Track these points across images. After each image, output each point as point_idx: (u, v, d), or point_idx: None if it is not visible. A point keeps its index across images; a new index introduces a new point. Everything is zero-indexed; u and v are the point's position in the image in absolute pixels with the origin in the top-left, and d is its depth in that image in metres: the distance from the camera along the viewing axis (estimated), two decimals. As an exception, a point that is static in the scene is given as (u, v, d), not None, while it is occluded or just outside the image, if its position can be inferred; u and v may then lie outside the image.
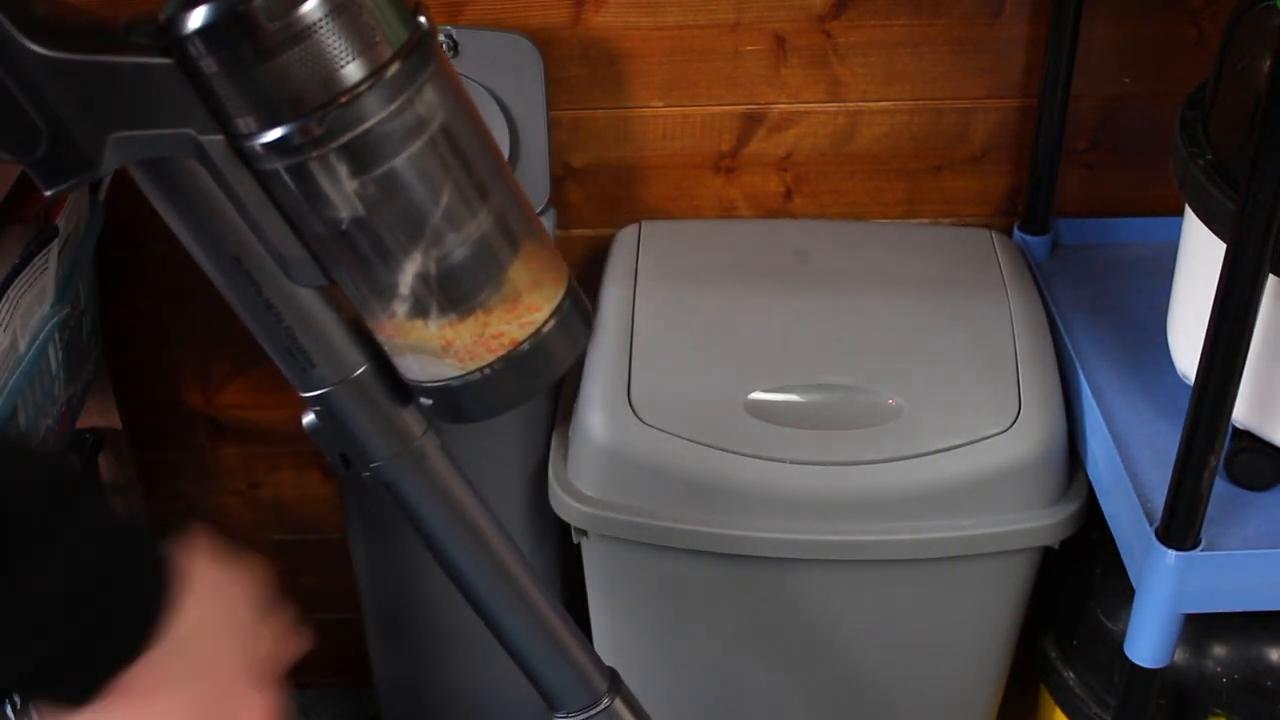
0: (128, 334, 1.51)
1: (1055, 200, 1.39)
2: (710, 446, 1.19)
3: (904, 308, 1.30)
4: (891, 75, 1.36)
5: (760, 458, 1.19)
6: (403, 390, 0.72)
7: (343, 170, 0.60)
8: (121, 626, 0.60)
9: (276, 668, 0.69)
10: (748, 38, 1.34)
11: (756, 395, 1.22)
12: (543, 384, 0.68)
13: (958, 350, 1.25)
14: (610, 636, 1.34)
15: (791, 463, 1.18)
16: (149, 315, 1.51)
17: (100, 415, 1.48)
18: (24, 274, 1.08)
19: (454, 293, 0.64)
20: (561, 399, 1.32)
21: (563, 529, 1.27)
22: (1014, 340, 1.26)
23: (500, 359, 0.66)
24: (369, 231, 0.62)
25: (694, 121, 1.39)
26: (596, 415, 1.22)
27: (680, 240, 1.39)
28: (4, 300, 1.04)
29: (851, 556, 1.21)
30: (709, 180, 1.42)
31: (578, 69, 1.35)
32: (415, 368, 0.68)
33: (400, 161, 0.61)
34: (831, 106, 1.38)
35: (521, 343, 0.66)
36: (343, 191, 0.61)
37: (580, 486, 1.24)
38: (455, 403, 0.69)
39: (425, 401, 0.70)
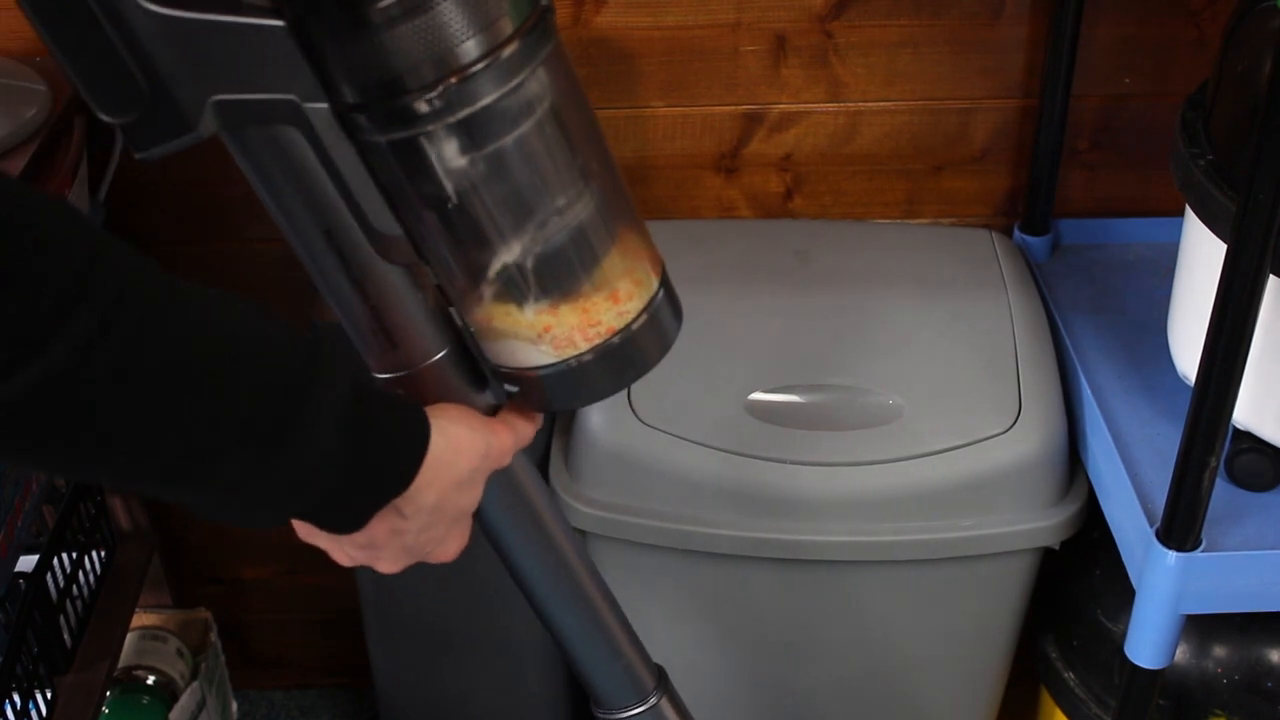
0: (127, 334, 1.51)
1: (1055, 200, 1.39)
2: (711, 447, 1.19)
3: (904, 308, 1.30)
4: (892, 75, 1.36)
5: (761, 458, 1.19)
6: (480, 377, 0.70)
7: (451, 148, 0.58)
8: (391, 467, 0.63)
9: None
10: (748, 38, 1.34)
11: (757, 395, 1.22)
12: (633, 376, 0.67)
13: (958, 351, 1.25)
14: (610, 637, 1.34)
15: (791, 463, 1.18)
16: (149, 315, 1.51)
17: (100, 415, 1.47)
18: (24, 274, 1.08)
19: (552, 278, 0.63)
20: (561, 399, 1.32)
21: (563, 529, 1.27)
22: (1014, 341, 1.26)
23: (594, 348, 0.65)
24: (471, 212, 0.60)
25: (694, 121, 1.39)
26: (597, 416, 1.22)
27: (680, 240, 1.39)
28: (4, 301, 1.04)
29: (852, 556, 1.21)
30: (709, 180, 1.42)
31: (578, 69, 1.34)
32: (505, 353, 0.66)
33: (509, 141, 0.59)
34: (832, 107, 1.38)
35: (617, 332, 0.65)
36: (448, 170, 0.59)
37: (581, 487, 1.23)
38: (542, 391, 0.67)
39: (510, 389, 0.68)
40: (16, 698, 1.22)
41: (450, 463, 0.66)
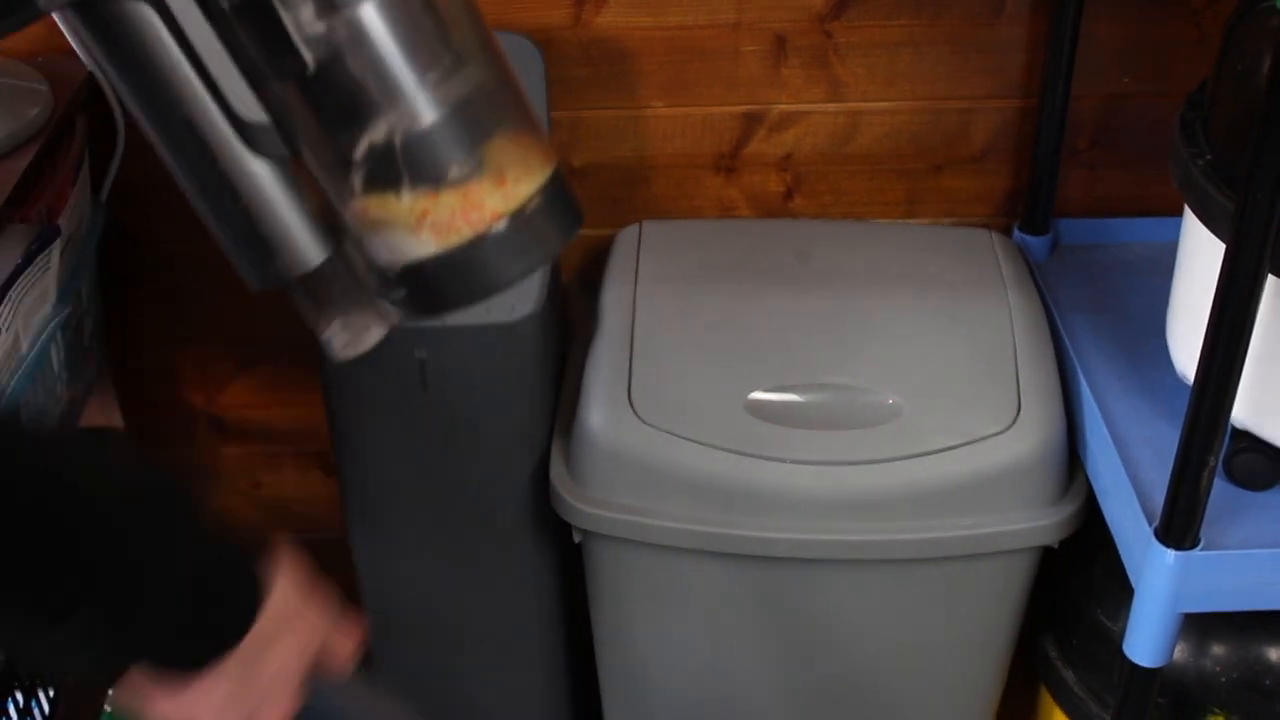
0: (130, 334, 1.51)
1: (1055, 200, 1.40)
2: (711, 446, 1.19)
3: (904, 308, 1.30)
4: (892, 75, 1.36)
5: (760, 457, 1.19)
6: (363, 291, 0.66)
7: (307, 11, 0.56)
8: (234, 612, 0.64)
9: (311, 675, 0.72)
10: (748, 38, 1.34)
11: (757, 395, 1.22)
12: (524, 269, 0.63)
13: (957, 350, 1.26)
14: (610, 636, 1.35)
15: (791, 462, 1.19)
16: (151, 315, 1.51)
17: (102, 415, 1.48)
18: (26, 274, 1.08)
19: (426, 160, 0.59)
20: (562, 399, 1.32)
21: (563, 529, 1.27)
22: (1014, 340, 1.26)
23: (479, 234, 0.61)
24: (332, 84, 0.57)
25: (694, 121, 1.39)
26: (597, 415, 1.22)
27: (681, 240, 1.39)
28: (6, 301, 1.05)
29: (851, 556, 1.22)
30: (709, 180, 1.43)
31: (578, 69, 1.35)
32: (386, 249, 0.62)
33: (370, 5, 0.56)
34: (832, 107, 1.38)
35: (503, 216, 0.61)
36: (306, 36, 0.56)
37: (581, 487, 1.24)
38: (430, 288, 0.63)
39: (399, 293, 0.64)
40: (19, 696, 1.23)
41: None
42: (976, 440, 1.19)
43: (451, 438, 1.30)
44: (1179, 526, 1.04)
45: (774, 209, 1.45)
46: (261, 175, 0.61)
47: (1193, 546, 1.05)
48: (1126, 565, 1.12)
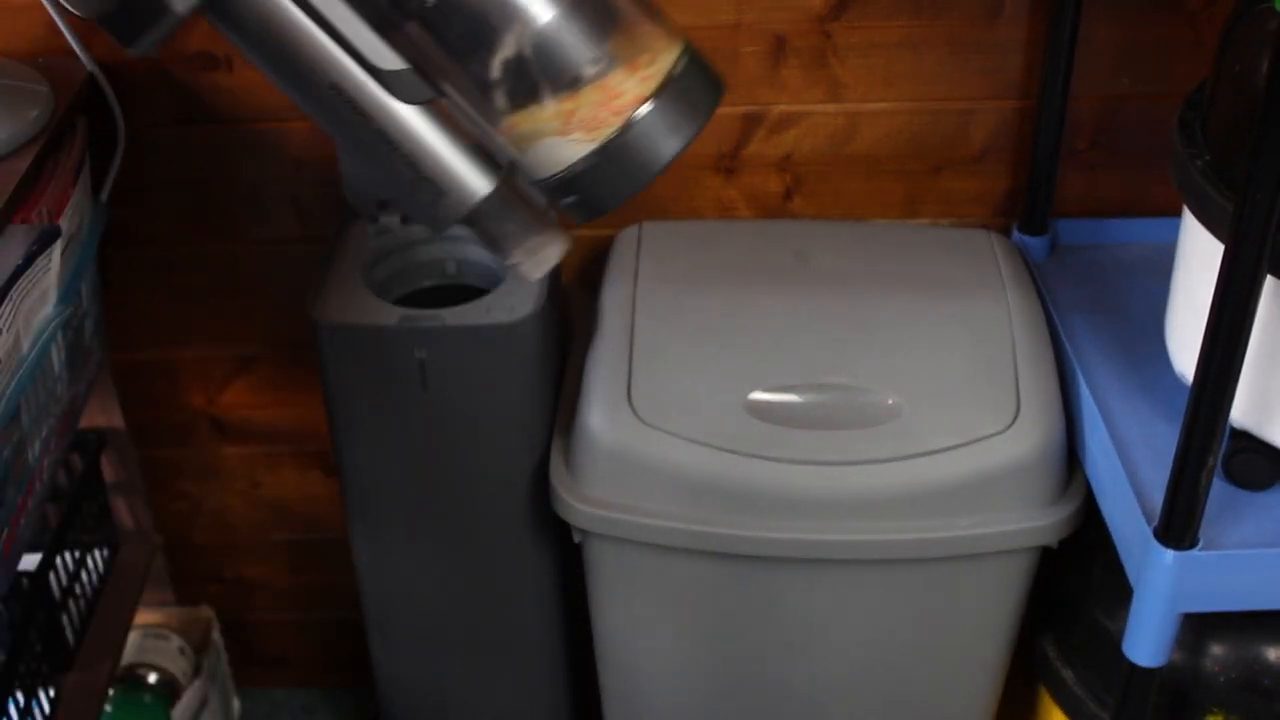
0: (130, 334, 1.51)
1: (1054, 201, 1.40)
2: (710, 446, 1.19)
3: (904, 308, 1.30)
4: (891, 76, 1.36)
5: (760, 458, 1.19)
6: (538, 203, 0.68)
7: None
8: None
9: None
10: (748, 38, 1.34)
11: (757, 395, 1.22)
12: (679, 144, 0.64)
13: (957, 350, 1.26)
14: (611, 636, 1.35)
15: (791, 463, 1.19)
16: (151, 315, 1.51)
17: (103, 415, 1.48)
18: (27, 275, 1.08)
19: (557, 63, 0.61)
20: (562, 399, 1.32)
21: (563, 529, 1.27)
22: (1013, 340, 1.26)
23: (627, 121, 0.63)
24: (453, 13, 0.59)
25: (694, 122, 1.39)
26: (597, 415, 1.22)
27: (680, 240, 1.39)
28: (7, 301, 1.05)
29: (851, 556, 1.22)
30: (709, 181, 1.43)
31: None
32: (545, 160, 0.65)
33: None
34: (831, 107, 1.38)
35: (645, 99, 0.63)
36: None
37: (581, 487, 1.24)
38: (596, 185, 0.65)
39: (569, 200, 0.66)
40: (20, 696, 1.23)
41: None
42: (976, 440, 1.19)
43: (451, 438, 1.30)
44: (1178, 526, 1.04)
45: (774, 209, 1.45)
46: (413, 120, 0.64)
47: (1192, 546, 1.05)
48: (1125, 565, 1.12)
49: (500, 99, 0.63)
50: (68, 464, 1.41)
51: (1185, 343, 1.16)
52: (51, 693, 1.30)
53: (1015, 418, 1.20)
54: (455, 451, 1.31)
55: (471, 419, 1.29)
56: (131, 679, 1.52)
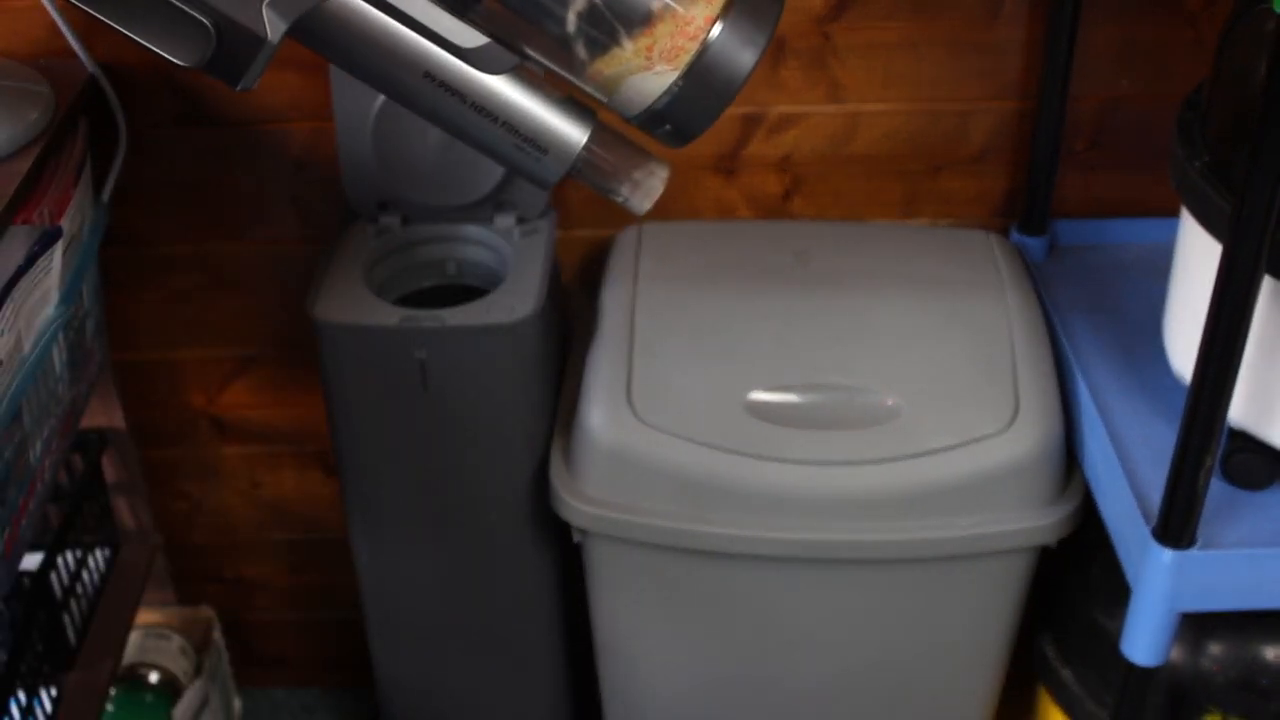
0: (131, 334, 1.51)
1: (1053, 201, 1.40)
2: (710, 446, 1.20)
3: (903, 308, 1.30)
4: (890, 77, 1.37)
5: (760, 458, 1.19)
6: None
7: None
8: None
9: None
10: (747, 40, 1.34)
11: (756, 395, 1.22)
12: (757, 52, 0.68)
13: (956, 351, 1.26)
14: (610, 636, 1.35)
15: (791, 463, 1.19)
16: (152, 315, 1.52)
17: (104, 415, 1.48)
18: (28, 275, 1.08)
19: (628, 5, 0.65)
20: (562, 399, 1.32)
21: (563, 529, 1.28)
22: (1012, 341, 1.26)
23: (704, 44, 0.66)
24: None
25: (694, 123, 1.39)
26: (596, 415, 1.22)
27: (680, 241, 1.40)
28: (8, 302, 1.05)
29: (850, 556, 1.22)
30: (709, 181, 1.43)
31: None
32: (634, 97, 0.68)
33: None
34: (830, 108, 1.39)
35: (715, 19, 0.66)
36: None
37: (580, 486, 1.24)
38: (687, 109, 0.69)
39: (664, 129, 0.71)
40: (21, 695, 1.23)
41: None
42: (975, 440, 1.19)
43: (451, 438, 1.30)
44: (1176, 526, 1.04)
45: (773, 210, 1.45)
46: (504, 89, 0.68)
47: (1190, 546, 1.05)
48: (1124, 565, 1.12)
49: (581, 50, 0.67)
50: (69, 464, 1.41)
51: (1183, 343, 1.16)
52: (53, 692, 1.31)
53: (1014, 418, 1.21)
54: (455, 451, 1.31)
55: (471, 419, 1.29)
56: (133, 679, 1.52)
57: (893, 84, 1.37)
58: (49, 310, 1.16)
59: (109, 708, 1.48)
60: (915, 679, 1.35)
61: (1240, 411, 1.08)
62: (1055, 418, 1.22)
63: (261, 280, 1.49)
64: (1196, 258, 1.10)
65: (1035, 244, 1.40)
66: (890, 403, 1.22)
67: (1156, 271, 1.26)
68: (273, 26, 0.63)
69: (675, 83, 0.68)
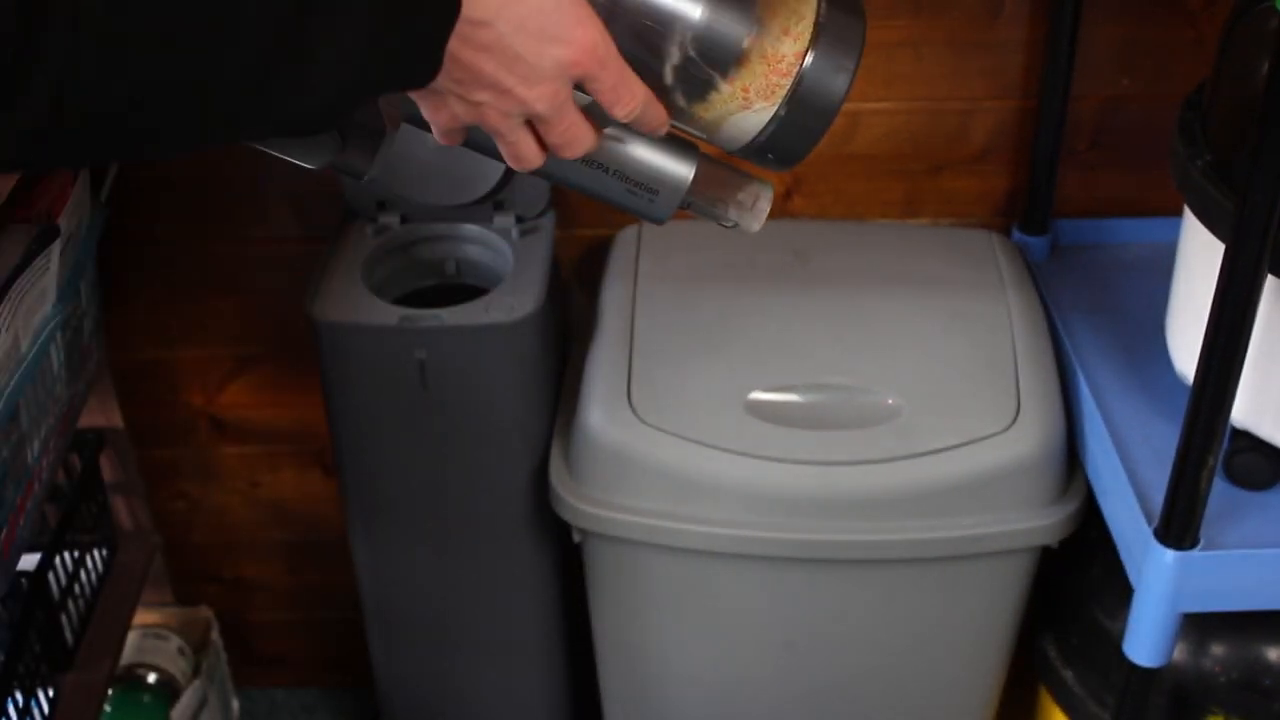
0: (129, 333, 1.51)
1: (1054, 201, 1.40)
2: (710, 446, 1.19)
3: (903, 308, 1.30)
4: (891, 76, 1.36)
5: (760, 458, 1.19)
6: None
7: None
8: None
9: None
10: (748, 38, 1.34)
11: (756, 395, 1.22)
12: (848, 75, 0.70)
13: (957, 350, 1.26)
14: (610, 636, 1.35)
15: (791, 463, 1.19)
16: (150, 315, 1.51)
17: (102, 414, 1.48)
18: (26, 274, 1.08)
19: (719, 51, 0.67)
20: (562, 399, 1.32)
21: (563, 529, 1.27)
22: (1013, 340, 1.26)
23: (798, 76, 0.69)
24: (622, 41, 0.65)
25: (694, 122, 1.39)
26: (596, 415, 1.22)
27: (680, 240, 1.39)
28: (5, 300, 1.05)
29: (851, 556, 1.22)
30: (709, 181, 1.43)
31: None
32: (736, 134, 0.71)
33: None
34: (831, 107, 1.38)
35: (804, 52, 0.68)
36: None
37: (581, 487, 1.24)
38: (789, 140, 0.72)
39: (767, 158, 0.73)
40: (19, 696, 1.23)
41: None
42: (976, 440, 1.19)
43: (451, 438, 1.30)
44: (1178, 526, 1.04)
45: (773, 209, 1.44)
46: (611, 141, 0.71)
47: (1192, 546, 1.05)
48: (1126, 565, 1.12)
49: (680, 99, 0.69)
50: (66, 464, 1.41)
51: (1186, 342, 1.16)
52: (50, 693, 1.30)
53: (1015, 418, 1.20)
54: (455, 451, 1.31)
55: (471, 419, 1.29)
56: (130, 679, 1.52)
57: (894, 83, 1.37)
58: (46, 309, 1.15)
59: (107, 708, 1.48)
60: (916, 679, 1.35)
61: (1243, 411, 1.08)
62: (1057, 417, 1.22)
63: (260, 280, 1.49)
64: (1198, 257, 1.10)
65: (1037, 243, 1.40)
66: (891, 403, 1.21)
67: (1158, 271, 1.26)
68: (390, 120, 0.66)
69: (774, 118, 0.70)
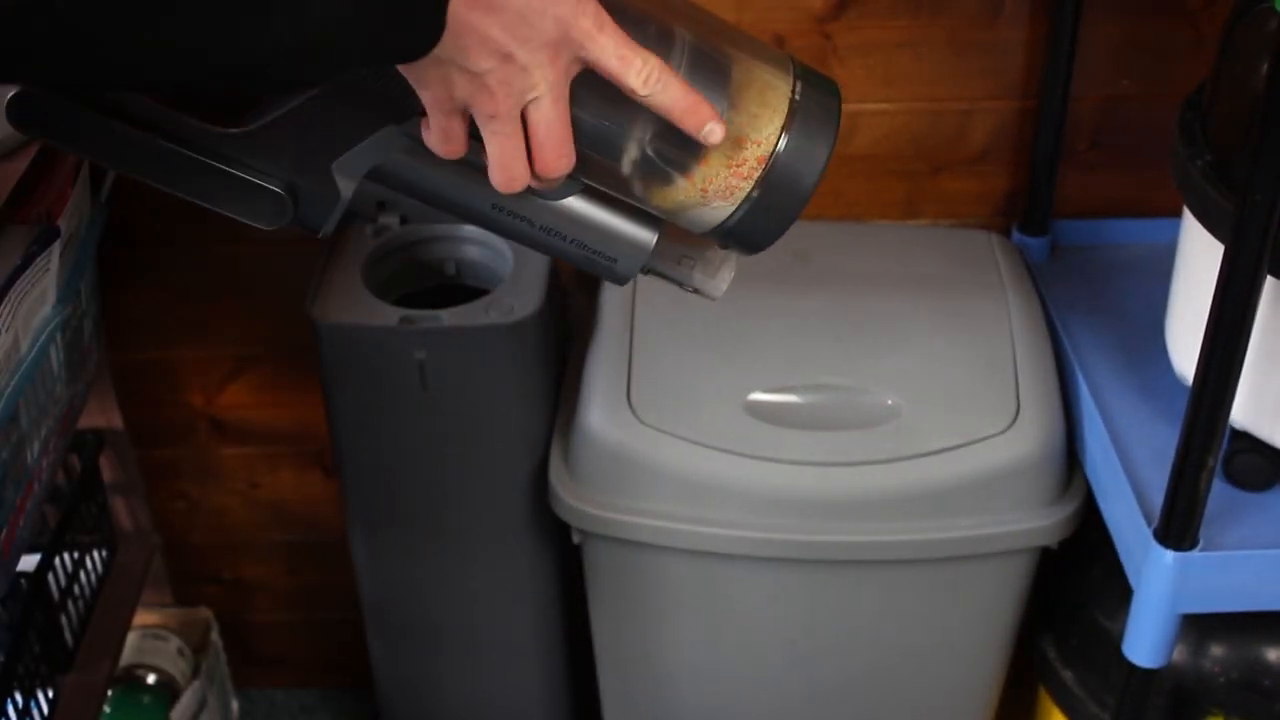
0: (129, 334, 1.51)
1: (1054, 201, 1.40)
2: (710, 446, 1.19)
3: (903, 308, 1.30)
4: (891, 76, 1.36)
5: (760, 458, 1.19)
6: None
7: None
8: None
9: None
10: (747, 39, 1.34)
11: (756, 395, 1.22)
12: (817, 170, 0.67)
13: (957, 351, 1.26)
14: (609, 636, 1.35)
15: (791, 463, 1.19)
16: (151, 315, 1.51)
17: (102, 415, 1.48)
18: (26, 275, 1.08)
19: (677, 150, 0.66)
20: (562, 399, 1.32)
21: (563, 529, 1.27)
22: (1013, 341, 1.26)
23: (760, 176, 0.66)
24: (580, 134, 0.64)
25: (694, 122, 1.39)
26: (596, 415, 1.22)
27: (680, 241, 1.39)
28: (5, 301, 1.05)
29: (851, 556, 1.22)
30: (709, 181, 1.43)
31: (578, 70, 1.35)
32: (695, 222, 0.69)
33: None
34: (831, 108, 1.38)
35: (766, 157, 0.66)
36: None
37: (580, 487, 1.24)
38: (748, 234, 0.70)
39: (729, 243, 0.71)
40: (18, 696, 1.23)
41: None
42: (975, 441, 1.19)
43: (451, 438, 1.30)
44: (1178, 527, 1.04)
45: (773, 210, 1.45)
46: (571, 210, 0.70)
47: (1192, 547, 1.05)
48: (1125, 566, 1.12)
49: (637, 188, 0.68)
50: (66, 464, 1.41)
51: (1185, 343, 1.16)
52: (50, 694, 1.30)
53: (1015, 418, 1.20)
54: (455, 452, 1.31)
55: (471, 419, 1.29)
56: (130, 680, 1.52)
57: (893, 83, 1.37)
58: (46, 310, 1.15)
59: (106, 709, 1.48)
60: (915, 680, 1.35)
61: (1242, 412, 1.08)
62: (1056, 418, 1.22)
63: (260, 280, 1.49)
64: (1198, 257, 1.10)
65: (1036, 244, 1.40)
66: (890, 403, 1.21)
67: (1158, 272, 1.26)
68: (344, 185, 0.66)
69: (733, 214, 0.68)
